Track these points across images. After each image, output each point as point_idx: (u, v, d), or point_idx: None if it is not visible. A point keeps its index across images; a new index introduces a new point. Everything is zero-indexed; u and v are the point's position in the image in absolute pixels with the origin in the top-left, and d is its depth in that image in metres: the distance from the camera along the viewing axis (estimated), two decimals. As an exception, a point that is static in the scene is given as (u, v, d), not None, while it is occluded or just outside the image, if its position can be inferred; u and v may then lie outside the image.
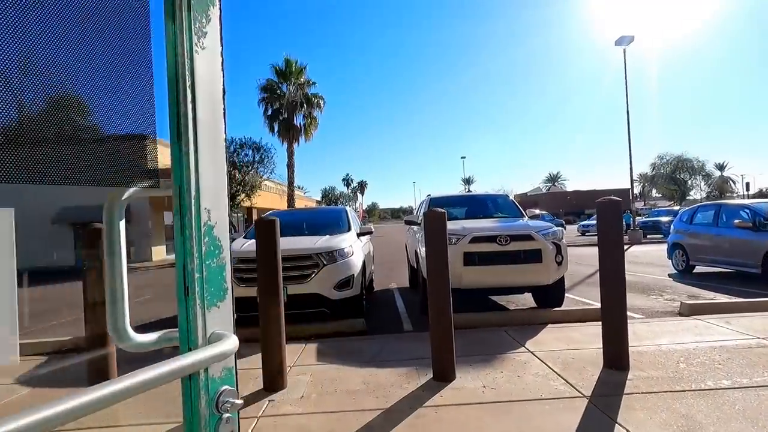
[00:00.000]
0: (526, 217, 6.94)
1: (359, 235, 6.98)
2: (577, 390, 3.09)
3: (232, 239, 7.22)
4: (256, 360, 3.78)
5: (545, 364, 3.67)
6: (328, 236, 6.22)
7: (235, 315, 0.86)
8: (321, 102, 27.36)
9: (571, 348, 4.07)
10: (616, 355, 3.44)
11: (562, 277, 5.88)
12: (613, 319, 3.45)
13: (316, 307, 5.42)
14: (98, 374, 3.36)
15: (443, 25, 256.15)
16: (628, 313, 3.58)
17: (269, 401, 3.20)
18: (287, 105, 26.02)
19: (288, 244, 5.62)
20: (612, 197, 3.53)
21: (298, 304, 5.31)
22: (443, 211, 3.52)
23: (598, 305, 6.15)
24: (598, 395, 2.99)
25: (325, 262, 5.50)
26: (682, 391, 2.99)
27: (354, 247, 6.07)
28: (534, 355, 3.93)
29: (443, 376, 3.39)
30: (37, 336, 6.05)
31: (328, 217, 7.88)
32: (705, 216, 9.76)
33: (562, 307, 5.83)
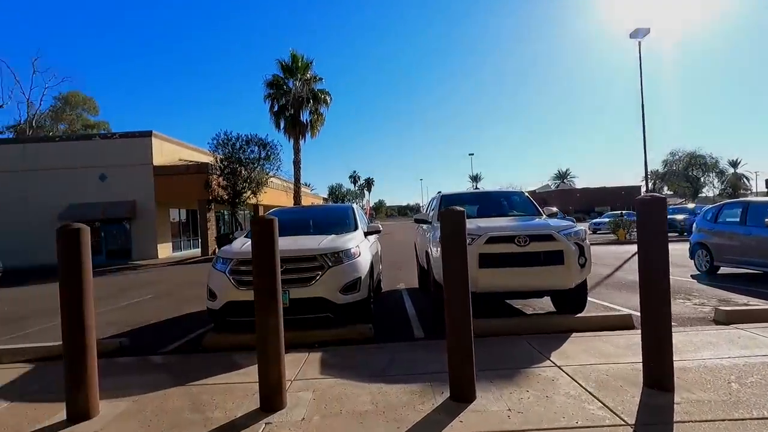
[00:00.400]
0: (544, 216, 6.52)
1: (366, 234, 6.60)
2: (617, 416, 2.68)
3: (233, 238, 6.90)
4: (254, 372, 3.38)
5: (576, 381, 3.27)
6: (333, 236, 5.84)
7: None
8: (327, 98, 26.96)
9: (602, 362, 3.66)
10: (658, 373, 3.02)
11: (585, 280, 5.47)
12: (655, 330, 3.04)
13: (321, 312, 5.05)
14: (77, 386, 3.01)
15: (451, 24, 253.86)
16: (670, 325, 3.15)
17: (266, 424, 2.83)
18: (293, 101, 25.63)
19: (290, 244, 5.26)
20: (655, 194, 3.12)
21: (300, 309, 4.94)
22: (462, 209, 3.13)
23: (625, 311, 5.81)
24: (644, 423, 2.59)
25: (330, 264, 5.12)
26: (743, 419, 2.57)
27: (361, 247, 5.69)
28: (561, 370, 3.53)
29: (462, 395, 3.01)
30: (32, 338, 5.78)
31: (333, 215, 7.51)
32: (731, 214, 9.25)
33: (587, 314, 5.41)
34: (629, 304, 6.40)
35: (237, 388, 3.51)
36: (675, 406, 2.77)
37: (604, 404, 2.85)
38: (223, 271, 5.15)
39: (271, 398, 3.03)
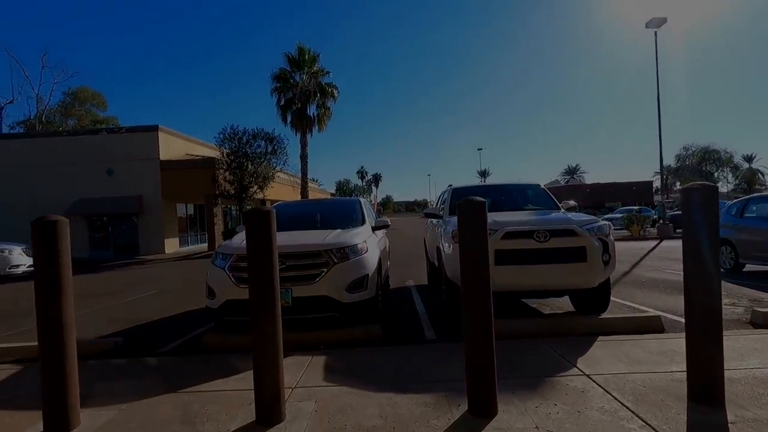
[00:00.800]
0: (563, 210, 6.14)
1: (374, 229, 6.26)
2: (664, 438, 2.33)
3: (235, 233, 6.62)
4: (252, 377, 3.06)
5: (609, 394, 2.91)
6: (339, 230, 5.51)
7: None
8: (335, 92, 26.59)
9: (635, 371, 3.30)
10: (707, 386, 2.65)
11: (608, 278, 5.09)
12: (703, 336, 2.67)
13: (325, 311, 4.73)
14: (54, 395, 2.72)
15: (460, 19, 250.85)
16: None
17: (261, 441, 2.52)
18: (300, 95, 25.30)
19: (294, 239, 4.94)
20: (705, 183, 2.74)
21: (304, 309, 4.62)
22: (483, 200, 2.79)
23: (653, 312, 5.42)
24: (696, 447, 2.23)
25: (335, 260, 4.79)
26: (814, 444, 2.21)
27: (369, 242, 5.35)
28: (591, 379, 3.17)
29: (483, 409, 2.67)
30: (29, 336, 5.53)
31: (339, 209, 7.17)
32: (758, 209, 8.78)
33: (611, 314, 5.04)
34: (652, 304, 6.03)
35: (232, 396, 3.21)
36: (729, 425, 2.41)
37: (646, 422, 2.50)
38: (223, 267, 4.84)
39: (268, 411, 2.72)
